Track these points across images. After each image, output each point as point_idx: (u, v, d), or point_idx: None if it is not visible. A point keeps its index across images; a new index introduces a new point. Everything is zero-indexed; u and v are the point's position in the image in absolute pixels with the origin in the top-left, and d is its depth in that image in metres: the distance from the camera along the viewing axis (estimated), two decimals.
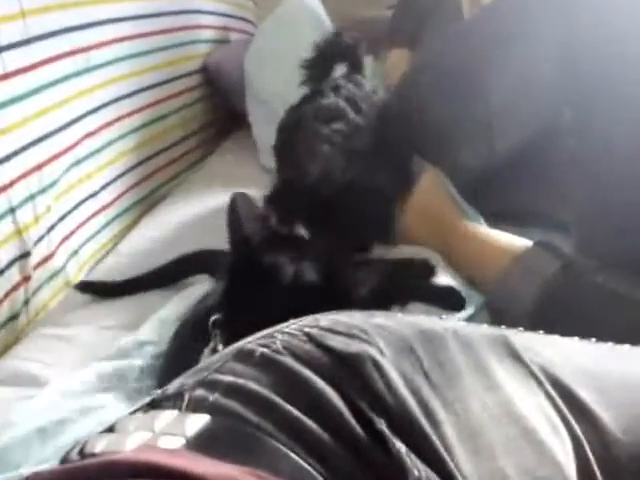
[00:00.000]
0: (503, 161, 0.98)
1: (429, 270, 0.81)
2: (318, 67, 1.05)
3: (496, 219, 0.93)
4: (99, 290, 0.90)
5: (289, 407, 0.34)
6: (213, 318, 0.60)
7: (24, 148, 0.85)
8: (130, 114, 1.16)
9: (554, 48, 0.88)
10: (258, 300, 0.59)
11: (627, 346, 0.49)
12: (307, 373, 0.36)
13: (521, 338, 0.44)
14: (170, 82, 1.30)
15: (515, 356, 0.41)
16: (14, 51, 0.81)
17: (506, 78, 0.94)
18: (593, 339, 0.49)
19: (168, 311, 0.80)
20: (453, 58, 1.01)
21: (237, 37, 1.67)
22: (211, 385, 0.36)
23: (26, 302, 0.85)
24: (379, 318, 0.42)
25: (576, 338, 0.48)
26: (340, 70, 1.10)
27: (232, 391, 0.35)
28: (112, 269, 0.98)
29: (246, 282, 0.60)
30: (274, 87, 1.25)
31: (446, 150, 1.01)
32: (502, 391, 0.39)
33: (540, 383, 0.41)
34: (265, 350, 0.37)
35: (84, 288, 0.90)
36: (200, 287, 0.84)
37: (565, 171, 0.96)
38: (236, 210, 0.62)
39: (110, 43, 1.07)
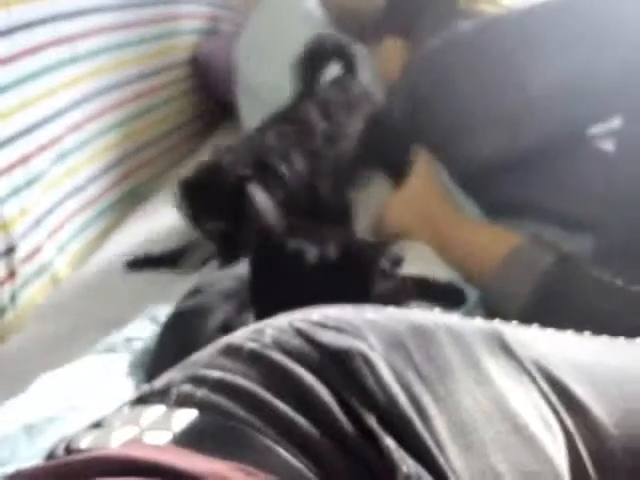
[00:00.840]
0: (520, 155, 0.98)
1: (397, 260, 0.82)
2: (307, 68, 1.05)
3: (491, 210, 0.92)
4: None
5: (278, 402, 0.33)
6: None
7: (10, 140, 0.84)
8: (117, 106, 1.14)
9: (615, 58, 0.87)
10: (286, 285, 0.60)
11: (621, 339, 0.49)
12: (296, 368, 0.35)
13: (514, 332, 0.44)
14: (157, 74, 1.28)
15: (508, 351, 0.41)
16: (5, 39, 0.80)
17: (556, 76, 0.93)
18: (587, 333, 0.49)
19: (156, 307, 0.80)
20: (490, 47, 1.00)
21: (226, 27, 1.65)
22: (199, 380, 0.35)
23: (12, 298, 0.84)
24: (370, 313, 0.41)
25: (570, 332, 0.48)
26: (334, 70, 1.10)
27: (220, 386, 0.34)
28: (101, 265, 0.97)
29: (272, 269, 0.62)
30: (264, 77, 1.24)
31: (458, 141, 1.00)
32: (494, 386, 0.38)
33: (533, 378, 0.40)
34: (254, 345, 0.37)
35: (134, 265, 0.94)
36: (190, 280, 0.84)
37: (583, 170, 0.96)
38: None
39: (95, 33, 1.05)
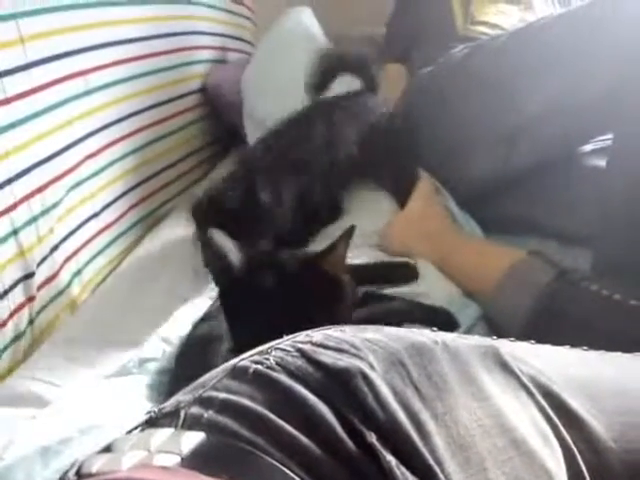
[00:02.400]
0: (514, 174, 0.99)
1: (412, 272, 0.83)
2: (317, 78, 1.07)
3: (490, 228, 0.93)
4: None
5: (282, 423, 0.34)
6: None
7: (26, 171, 0.86)
8: (130, 135, 1.17)
9: (605, 75, 0.88)
10: (253, 312, 0.61)
11: (619, 353, 0.50)
12: (300, 389, 0.36)
13: (511, 348, 0.44)
14: (169, 103, 1.31)
15: (505, 367, 0.42)
16: (14, 76, 0.83)
17: (547, 95, 0.94)
18: (585, 347, 0.50)
19: (169, 328, 0.81)
20: (481, 69, 1.02)
21: (235, 57, 1.68)
22: (206, 402, 0.36)
23: (31, 322, 0.87)
24: (369, 332, 0.42)
25: (567, 346, 0.49)
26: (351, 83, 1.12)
27: (226, 408, 0.35)
28: (116, 288, 1.00)
29: (238, 302, 0.63)
30: (270, 107, 1.27)
31: (454, 162, 1.02)
32: (492, 402, 0.39)
33: (530, 393, 0.41)
34: (259, 367, 0.38)
35: None
36: (200, 301, 0.86)
37: (577, 186, 0.97)
38: (211, 244, 0.65)
39: (109, 66, 1.08)
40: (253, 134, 1.37)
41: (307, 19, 1.44)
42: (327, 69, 1.07)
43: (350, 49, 1.11)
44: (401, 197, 1.01)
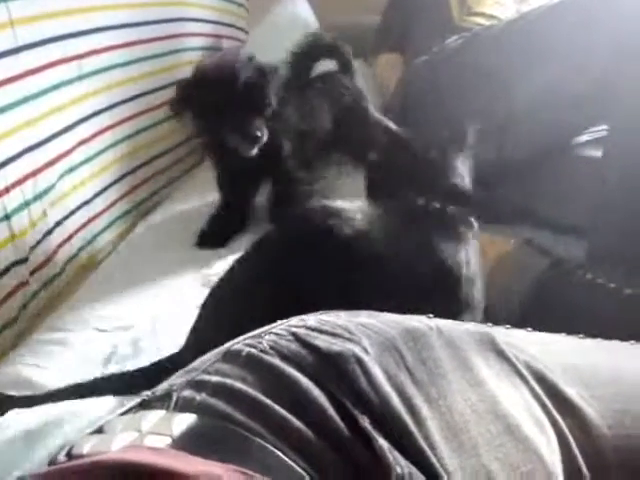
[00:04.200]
0: (508, 165, 0.99)
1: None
2: (299, 63, 1.10)
3: (485, 216, 0.93)
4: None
5: (275, 406, 0.34)
6: None
7: (19, 155, 0.85)
8: (123, 121, 1.16)
9: (595, 66, 0.88)
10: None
11: (615, 341, 0.50)
12: (292, 372, 0.36)
13: (506, 335, 0.44)
14: (162, 89, 1.30)
15: (500, 353, 0.42)
16: (4, 60, 0.82)
17: (539, 86, 0.94)
18: (580, 334, 0.50)
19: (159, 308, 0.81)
20: (473, 60, 1.01)
21: (228, 44, 1.67)
22: (199, 385, 0.36)
23: (24, 307, 0.86)
24: (364, 317, 0.42)
25: (563, 334, 0.49)
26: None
27: (219, 391, 0.35)
28: (110, 273, 0.99)
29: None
30: None
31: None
32: (486, 388, 0.39)
33: (525, 380, 0.41)
34: (252, 350, 0.38)
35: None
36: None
37: (572, 176, 0.97)
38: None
39: (101, 51, 1.07)
40: None
41: (301, 8, 1.43)
42: (305, 54, 1.10)
43: (326, 36, 1.16)
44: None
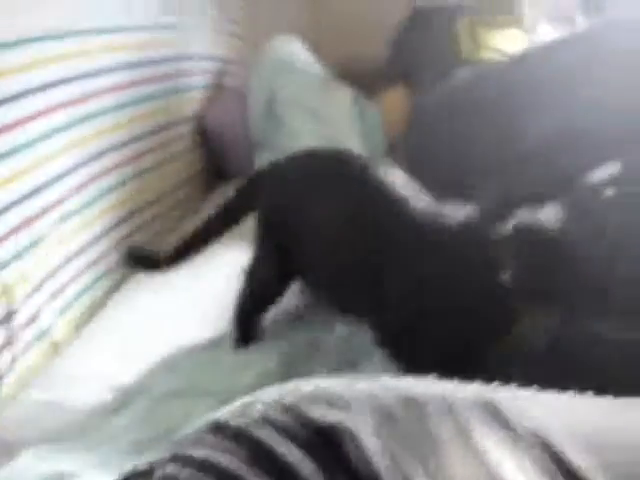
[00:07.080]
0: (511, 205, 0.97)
1: None
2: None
3: None
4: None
5: None
6: None
7: (12, 205, 0.84)
8: (123, 164, 1.14)
9: (615, 102, 0.86)
10: None
11: (624, 399, 0.48)
12: (282, 445, 0.34)
13: (509, 399, 0.42)
14: (165, 130, 1.29)
15: (502, 420, 0.40)
16: (4, 107, 0.81)
17: (551, 126, 0.92)
18: (589, 393, 0.48)
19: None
20: (481, 98, 1.00)
21: (231, 81, 1.65)
22: (183, 460, 0.34)
23: (12, 363, 0.83)
24: (362, 384, 0.40)
25: (570, 393, 0.47)
26: None
27: (205, 466, 0.33)
28: (101, 329, 0.97)
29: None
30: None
31: (450, 191, 1.00)
32: (486, 458, 0.37)
33: (529, 448, 0.39)
34: (241, 421, 0.36)
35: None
36: None
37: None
38: None
39: (103, 93, 1.06)
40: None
41: (296, 48, 1.44)
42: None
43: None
44: None
